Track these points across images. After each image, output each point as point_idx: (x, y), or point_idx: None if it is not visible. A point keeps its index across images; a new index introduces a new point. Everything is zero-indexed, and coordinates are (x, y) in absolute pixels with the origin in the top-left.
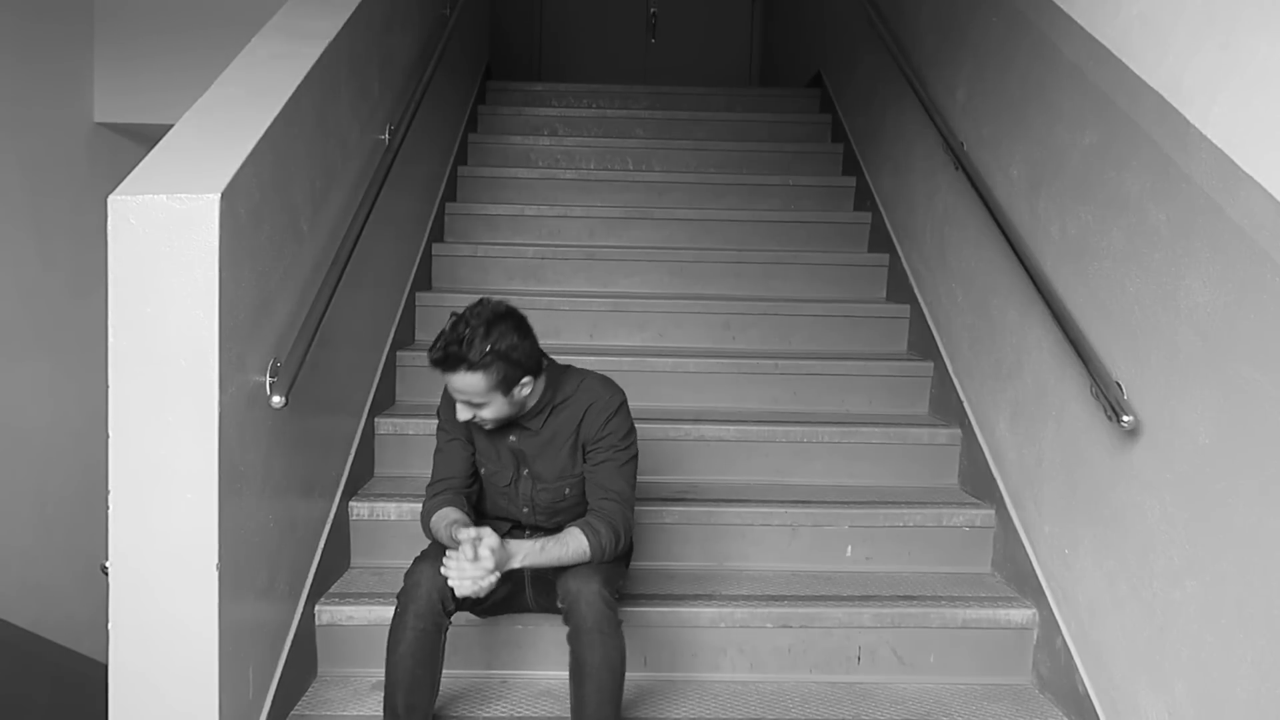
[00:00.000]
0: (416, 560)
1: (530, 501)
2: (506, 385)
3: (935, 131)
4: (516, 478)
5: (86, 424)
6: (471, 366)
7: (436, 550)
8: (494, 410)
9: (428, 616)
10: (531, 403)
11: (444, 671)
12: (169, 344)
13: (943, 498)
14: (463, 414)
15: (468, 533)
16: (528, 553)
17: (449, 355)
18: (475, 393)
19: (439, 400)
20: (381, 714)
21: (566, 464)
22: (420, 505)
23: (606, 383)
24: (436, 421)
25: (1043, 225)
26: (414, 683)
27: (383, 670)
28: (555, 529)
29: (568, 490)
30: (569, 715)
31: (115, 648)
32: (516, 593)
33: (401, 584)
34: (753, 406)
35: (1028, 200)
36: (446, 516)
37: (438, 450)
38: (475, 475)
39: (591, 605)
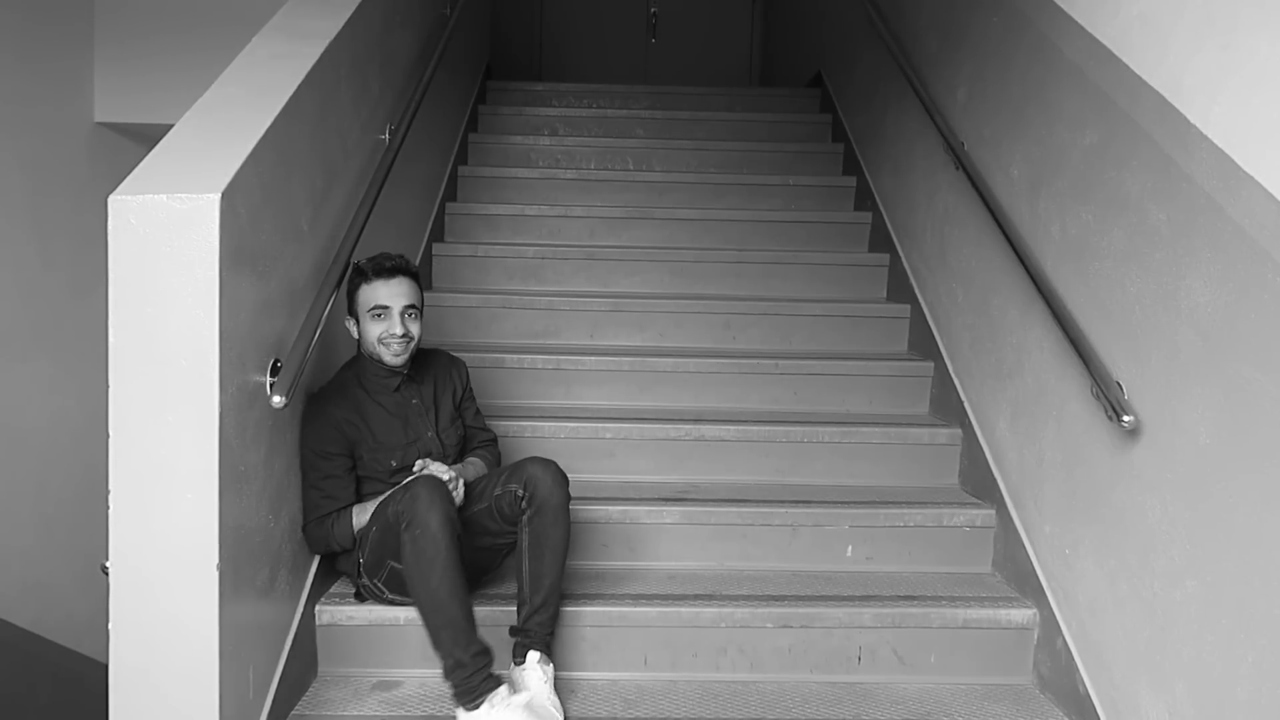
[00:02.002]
0: (408, 490)
1: (454, 451)
2: (422, 301)
3: (935, 131)
4: (428, 444)
5: (87, 424)
6: (413, 276)
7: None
8: (419, 325)
9: (449, 528)
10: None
11: (436, 673)
12: (169, 344)
13: (943, 498)
14: (397, 328)
15: (423, 463)
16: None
17: (399, 265)
18: (416, 297)
19: (319, 439)
20: (383, 713)
21: (450, 409)
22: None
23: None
24: (308, 461)
25: (1043, 225)
26: (459, 588)
27: (383, 670)
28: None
29: (454, 428)
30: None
31: (115, 648)
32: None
33: (407, 511)
34: (753, 406)
35: (1028, 200)
36: (364, 506)
37: (324, 477)
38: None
39: (558, 485)
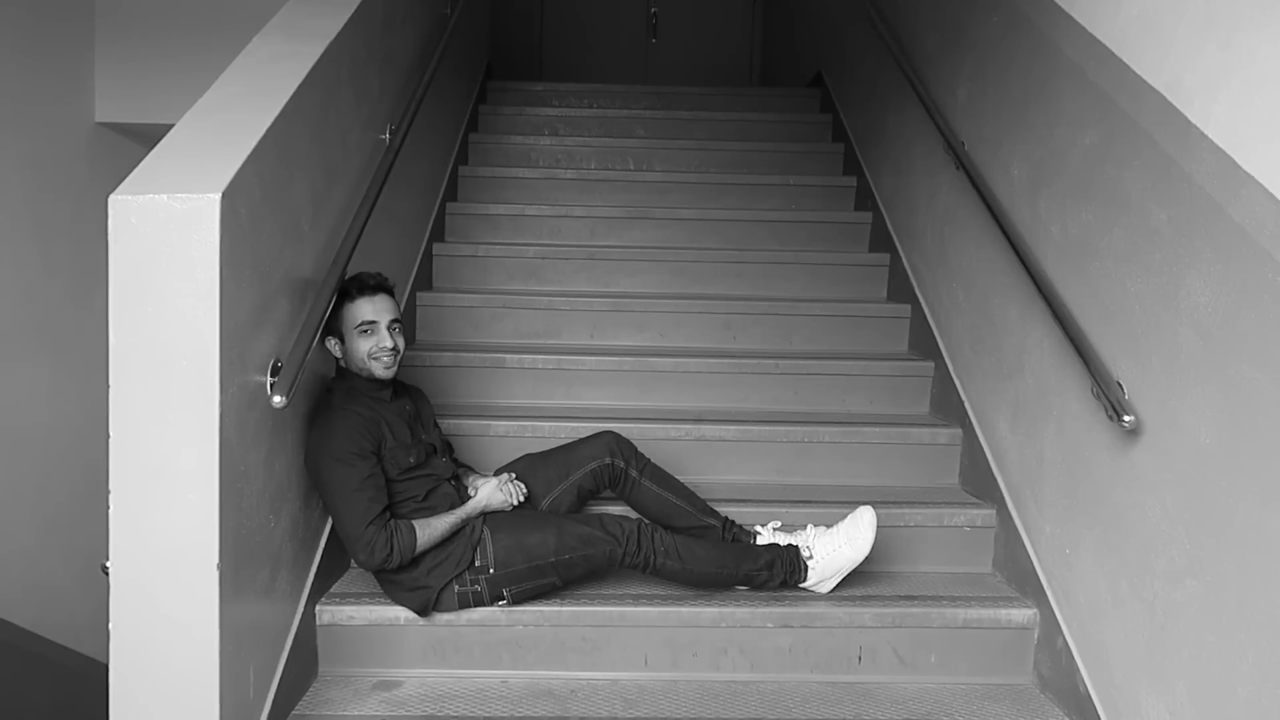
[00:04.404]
0: (607, 525)
1: (444, 451)
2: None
3: (936, 131)
4: (427, 445)
5: (87, 424)
6: (392, 292)
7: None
8: (402, 338)
9: (668, 537)
10: None
11: (444, 671)
12: (170, 344)
13: (944, 497)
14: (386, 341)
15: (499, 478)
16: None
17: (380, 282)
18: (397, 312)
19: (348, 441)
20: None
21: (430, 418)
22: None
23: None
24: (340, 470)
25: (1044, 225)
26: (706, 550)
27: (384, 670)
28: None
29: (437, 431)
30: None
31: (116, 647)
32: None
33: (638, 553)
34: (754, 406)
35: (1029, 200)
36: (427, 523)
37: (366, 477)
38: None
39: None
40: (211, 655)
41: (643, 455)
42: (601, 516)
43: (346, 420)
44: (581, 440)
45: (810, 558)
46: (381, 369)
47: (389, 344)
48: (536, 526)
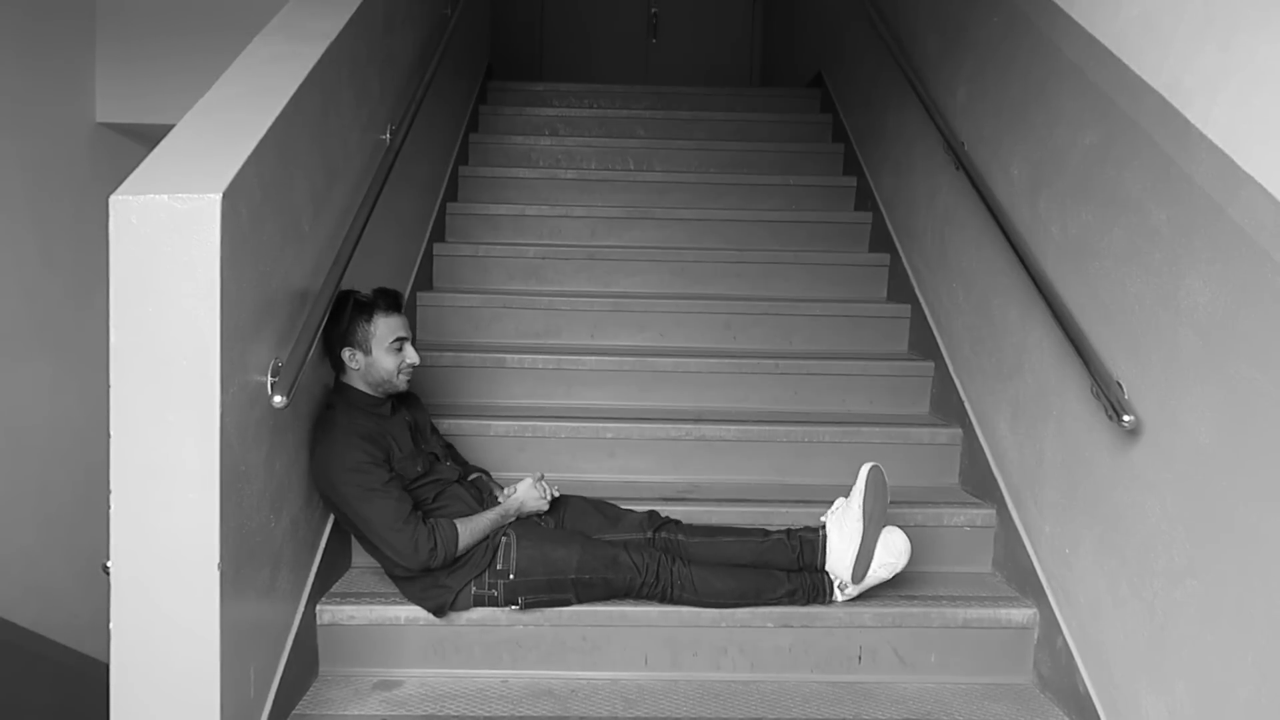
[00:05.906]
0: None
1: (446, 456)
2: None
3: (936, 131)
4: (429, 454)
5: (88, 424)
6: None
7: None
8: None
9: (687, 568)
10: None
11: (444, 671)
12: (170, 344)
13: (944, 497)
14: (415, 357)
15: (533, 475)
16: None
17: (401, 300)
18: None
19: (359, 452)
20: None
21: (427, 425)
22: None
23: None
24: (358, 478)
25: (1043, 225)
26: (729, 580)
27: (384, 670)
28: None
29: (436, 437)
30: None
31: (116, 647)
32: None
33: (655, 584)
34: (753, 406)
35: (1028, 200)
36: (467, 521)
37: (386, 482)
38: None
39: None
40: (212, 655)
41: (675, 520)
42: (625, 543)
43: (348, 441)
44: (628, 512)
45: (843, 585)
46: (404, 383)
47: (417, 360)
48: (562, 542)
